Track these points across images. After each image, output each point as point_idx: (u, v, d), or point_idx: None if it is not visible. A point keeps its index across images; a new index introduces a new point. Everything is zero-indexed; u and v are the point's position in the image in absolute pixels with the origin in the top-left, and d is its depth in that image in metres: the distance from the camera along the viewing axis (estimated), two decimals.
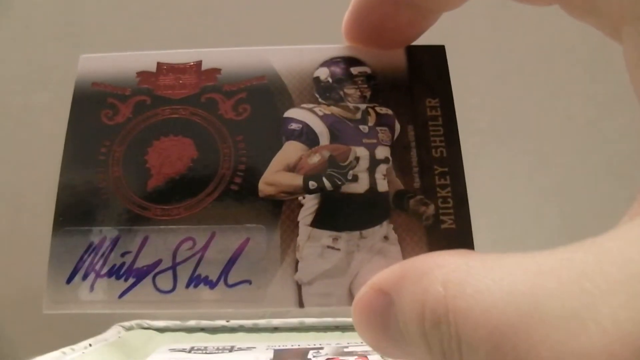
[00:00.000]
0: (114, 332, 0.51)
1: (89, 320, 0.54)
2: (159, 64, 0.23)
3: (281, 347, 0.45)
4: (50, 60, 0.64)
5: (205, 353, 0.46)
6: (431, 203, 0.20)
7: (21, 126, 0.65)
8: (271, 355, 0.44)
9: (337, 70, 0.22)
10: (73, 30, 0.64)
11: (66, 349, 0.45)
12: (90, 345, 0.47)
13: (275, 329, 0.51)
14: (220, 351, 0.46)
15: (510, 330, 0.13)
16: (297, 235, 0.20)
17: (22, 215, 0.66)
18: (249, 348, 0.46)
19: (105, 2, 0.64)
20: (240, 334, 0.51)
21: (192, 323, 0.52)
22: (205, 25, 0.63)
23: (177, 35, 0.62)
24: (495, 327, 0.14)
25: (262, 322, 0.51)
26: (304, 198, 0.21)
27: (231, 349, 0.46)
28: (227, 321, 0.52)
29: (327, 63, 0.22)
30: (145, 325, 0.53)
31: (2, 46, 0.65)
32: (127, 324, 0.53)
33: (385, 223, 0.20)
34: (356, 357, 0.41)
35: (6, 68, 0.65)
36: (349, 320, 0.51)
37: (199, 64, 0.23)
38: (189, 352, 0.46)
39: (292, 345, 0.46)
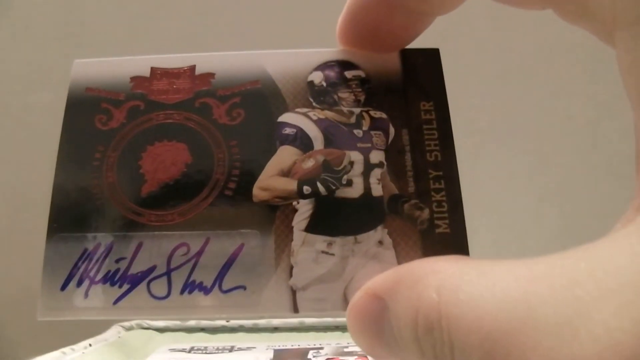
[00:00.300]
0: (114, 332, 0.51)
1: (89, 320, 0.54)
2: (152, 69, 0.23)
3: (281, 347, 0.45)
4: (50, 61, 0.64)
5: (205, 353, 0.46)
6: (426, 207, 0.20)
7: (21, 126, 0.66)
8: (271, 355, 0.44)
9: (331, 74, 0.22)
10: (73, 31, 0.64)
11: (66, 349, 0.45)
12: (90, 345, 0.47)
13: (275, 329, 0.51)
14: (220, 351, 0.46)
15: (503, 336, 0.13)
16: (292, 240, 0.20)
17: (22, 216, 0.66)
18: (249, 348, 0.46)
19: (105, 3, 0.64)
20: (240, 334, 0.51)
21: (192, 323, 0.52)
22: (199, 30, 0.63)
23: (172, 39, 0.62)
24: (487, 333, 0.14)
25: (262, 322, 0.51)
26: (298, 203, 0.21)
27: (231, 349, 0.46)
28: (227, 321, 0.52)
29: (321, 67, 0.22)
30: (145, 325, 0.53)
31: (2, 46, 0.65)
32: (127, 324, 0.53)
33: (379, 228, 0.20)
34: (356, 357, 0.41)
35: (6, 68, 0.65)
36: None
37: (192, 68, 0.23)
38: (189, 352, 0.46)
39: (292, 345, 0.46)
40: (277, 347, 0.45)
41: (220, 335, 0.51)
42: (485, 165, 0.62)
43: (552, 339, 0.13)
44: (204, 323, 0.52)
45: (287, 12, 0.62)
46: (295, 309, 0.20)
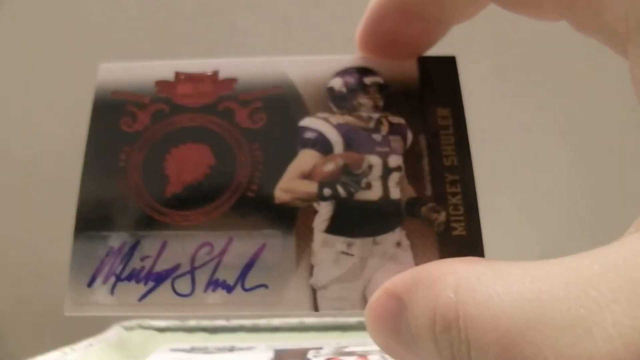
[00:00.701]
0: (114, 332, 0.51)
1: (90, 320, 0.54)
2: (177, 74, 0.23)
3: (281, 347, 0.45)
4: (51, 61, 0.64)
5: (206, 353, 0.46)
6: (442, 210, 0.21)
7: (22, 126, 0.65)
8: (271, 355, 0.44)
9: (351, 80, 0.23)
10: (74, 31, 0.64)
11: (67, 349, 0.45)
12: (91, 345, 0.47)
13: (276, 329, 0.51)
14: (220, 351, 0.46)
15: (519, 335, 0.14)
16: (312, 241, 0.21)
17: (21, 215, 0.66)
18: (249, 348, 0.46)
19: (107, 3, 0.64)
20: (240, 334, 0.51)
21: (192, 323, 0.53)
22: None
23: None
24: (504, 332, 0.14)
25: (262, 322, 0.51)
26: (318, 205, 0.21)
27: (231, 349, 0.46)
28: (228, 321, 0.52)
29: (341, 73, 0.23)
30: (146, 325, 0.53)
31: (3, 46, 0.65)
32: (127, 323, 0.53)
33: (398, 229, 0.21)
34: (356, 357, 0.41)
35: (7, 68, 0.65)
36: (349, 320, 0.51)
37: (216, 73, 0.23)
38: (189, 352, 0.46)
39: (292, 345, 0.46)
40: (277, 347, 0.45)
41: (220, 335, 0.51)
42: (487, 167, 0.62)
43: (566, 337, 0.13)
44: (204, 323, 0.52)
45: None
46: (316, 308, 0.20)
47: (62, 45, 0.64)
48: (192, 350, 0.47)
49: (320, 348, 0.44)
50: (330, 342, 0.46)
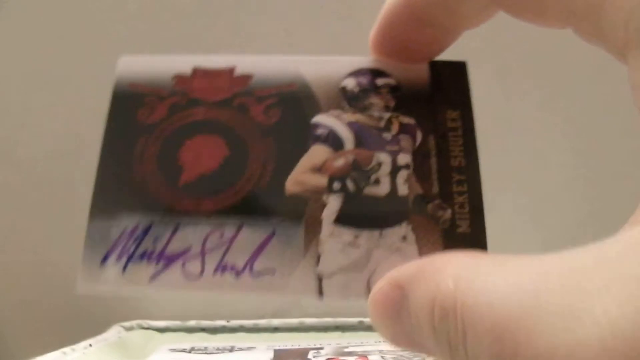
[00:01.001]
0: (114, 332, 0.52)
1: (90, 320, 0.54)
2: (194, 69, 0.24)
3: (281, 347, 0.46)
4: (51, 62, 0.64)
5: (206, 353, 0.46)
6: (448, 208, 0.22)
7: (23, 126, 0.66)
8: (271, 355, 0.44)
9: (364, 80, 0.24)
10: (75, 32, 0.64)
11: (66, 349, 0.46)
12: (90, 345, 0.48)
13: (276, 329, 0.51)
14: (220, 351, 0.46)
15: (512, 323, 0.15)
16: (320, 231, 0.21)
17: (21, 215, 0.66)
18: (249, 348, 0.46)
19: (106, 4, 0.65)
20: (240, 334, 0.52)
21: (192, 323, 0.53)
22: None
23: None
24: (498, 319, 0.15)
25: (262, 322, 0.52)
26: (328, 197, 0.22)
27: (231, 349, 0.47)
28: (228, 321, 0.52)
29: (354, 74, 0.24)
30: (146, 325, 0.54)
31: (5, 46, 0.65)
32: (127, 324, 0.54)
33: (404, 224, 0.21)
34: (356, 357, 0.41)
35: (8, 68, 0.65)
36: (349, 320, 0.52)
37: (232, 69, 0.24)
38: (189, 352, 0.47)
39: (292, 346, 0.46)
40: (277, 347, 0.46)
41: (220, 335, 0.52)
42: (490, 167, 0.63)
43: (557, 325, 0.14)
44: (205, 323, 0.53)
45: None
46: (321, 294, 0.21)
47: (63, 46, 0.65)
48: (192, 350, 0.47)
49: (321, 348, 0.45)
50: (330, 342, 0.46)
